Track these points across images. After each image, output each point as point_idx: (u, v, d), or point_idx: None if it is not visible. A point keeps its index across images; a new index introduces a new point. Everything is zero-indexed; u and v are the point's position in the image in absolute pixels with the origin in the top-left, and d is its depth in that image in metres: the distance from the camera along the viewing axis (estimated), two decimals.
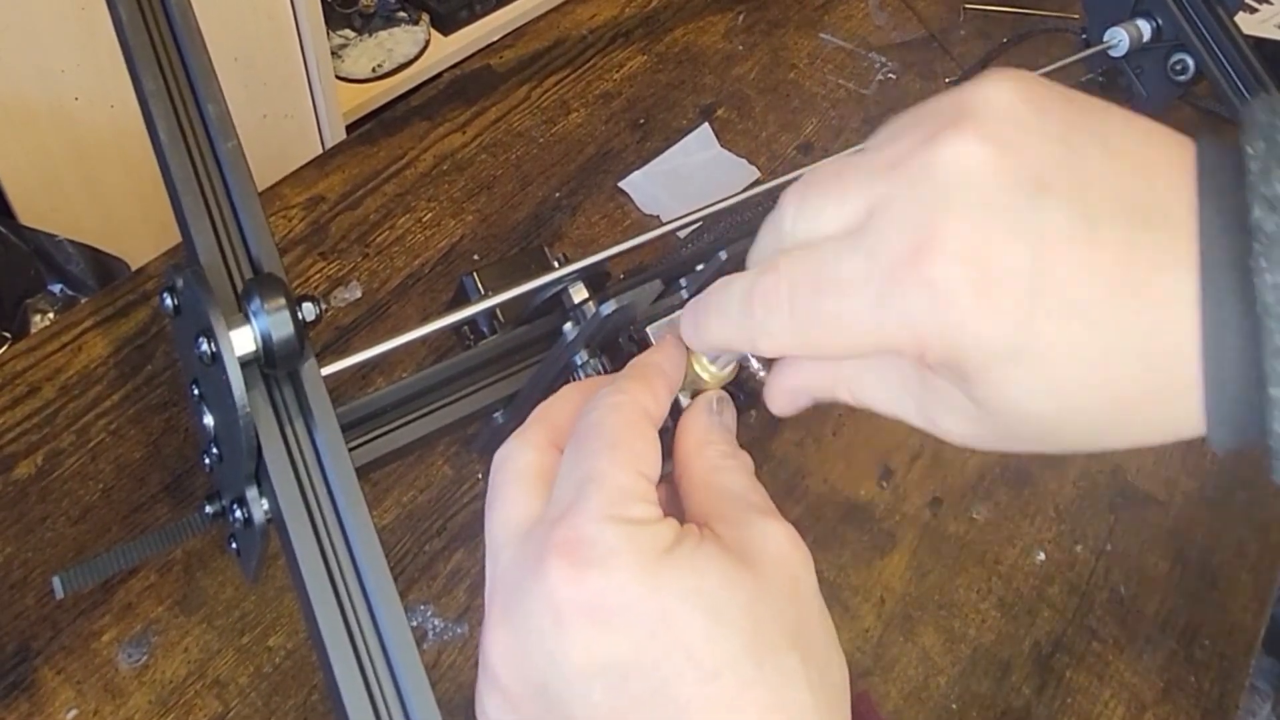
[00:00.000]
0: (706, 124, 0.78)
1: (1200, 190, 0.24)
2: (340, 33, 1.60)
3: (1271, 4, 0.87)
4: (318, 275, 0.65)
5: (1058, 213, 0.25)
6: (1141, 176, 0.25)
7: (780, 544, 0.29)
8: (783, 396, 0.33)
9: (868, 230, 0.26)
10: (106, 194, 1.24)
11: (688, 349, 0.35)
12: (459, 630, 0.51)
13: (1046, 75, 0.67)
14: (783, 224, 0.29)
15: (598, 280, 0.45)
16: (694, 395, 0.36)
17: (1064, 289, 0.24)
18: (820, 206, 0.28)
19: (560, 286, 0.43)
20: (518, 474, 0.32)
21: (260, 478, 0.33)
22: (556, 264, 0.45)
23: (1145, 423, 0.26)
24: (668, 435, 0.37)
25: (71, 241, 1.07)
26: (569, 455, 0.30)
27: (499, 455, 0.33)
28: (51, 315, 1.03)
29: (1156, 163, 0.25)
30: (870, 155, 0.28)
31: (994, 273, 0.25)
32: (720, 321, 0.30)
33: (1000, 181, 0.25)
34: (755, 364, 0.34)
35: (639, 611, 0.26)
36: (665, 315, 0.38)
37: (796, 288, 0.28)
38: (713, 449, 0.33)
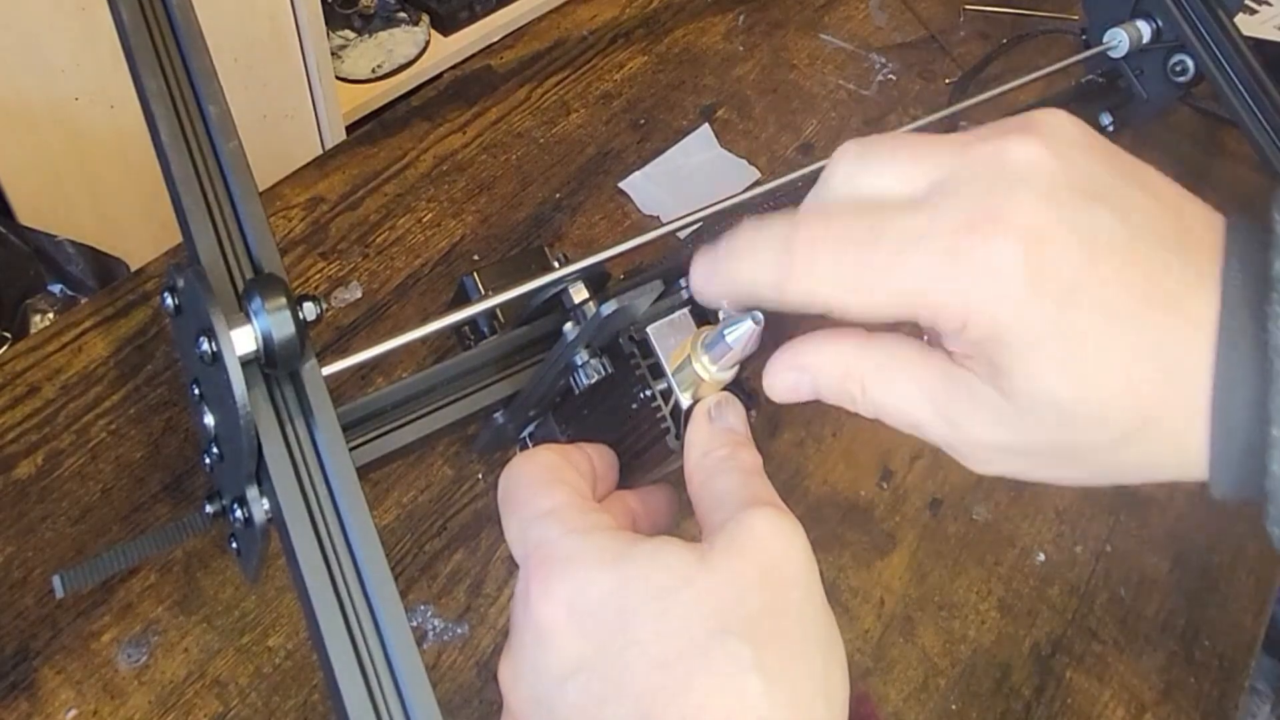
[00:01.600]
0: (707, 124, 0.78)
1: (1227, 241, 0.27)
2: (340, 33, 1.60)
3: (1271, 5, 0.87)
4: (318, 275, 0.65)
5: (1106, 221, 0.27)
6: (1176, 217, 0.28)
7: (754, 532, 0.29)
8: (787, 375, 0.33)
9: (935, 196, 0.28)
10: (106, 194, 1.24)
11: (688, 349, 0.36)
12: (459, 630, 0.51)
13: (1046, 76, 0.67)
14: (835, 175, 0.30)
15: (598, 280, 0.45)
16: (694, 397, 0.36)
17: (1103, 288, 0.26)
18: (882, 168, 0.29)
19: (560, 287, 0.43)
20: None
21: (260, 477, 0.33)
22: (556, 264, 0.45)
23: (1155, 443, 0.27)
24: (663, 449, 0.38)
25: (71, 241, 1.08)
26: (511, 512, 0.32)
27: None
28: (51, 315, 1.03)
29: (1190, 211, 0.28)
30: (939, 137, 0.30)
31: (1047, 259, 0.26)
32: (750, 261, 0.30)
33: (1060, 184, 0.27)
34: (743, 329, 0.33)
35: (602, 611, 0.28)
36: (665, 315, 0.38)
37: (850, 232, 0.28)
38: (711, 457, 0.33)
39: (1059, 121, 0.29)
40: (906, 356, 0.30)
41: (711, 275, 0.32)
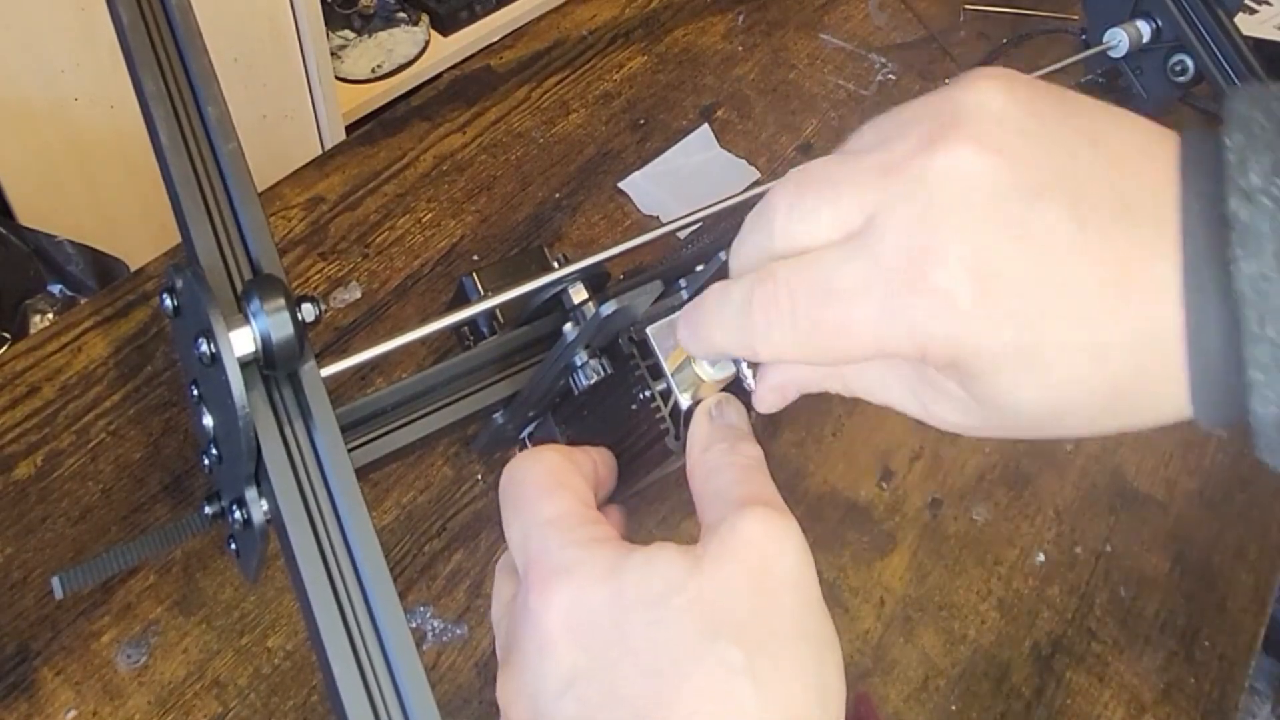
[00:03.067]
0: (706, 124, 0.78)
1: (1183, 183, 0.25)
2: (340, 33, 1.60)
3: (1271, 5, 0.87)
4: (317, 276, 0.65)
5: (1053, 216, 0.25)
6: (1128, 171, 0.26)
7: (745, 534, 0.29)
8: (771, 394, 0.34)
9: (868, 237, 0.27)
10: (106, 194, 1.24)
11: (687, 354, 0.36)
12: (458, 631, 0.51)
13: (1046, 76, 0.67)
14: (773, 225, 0.29)
15: (598, 281, 0.45)
16: (693, 397, 0.36)
17: (1061, 292, 0.25)
18: (814, 209, 0.28)
19: (560, 287, 0.43)
20: (505, 564, 0.35)
21: (260, 478, 0.33)
22: (556, 264, 0.45)
23: (1135, 407, 0.27)
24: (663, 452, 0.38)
25: (71, 242, 1.07)
26: (514, 514, 0.33)
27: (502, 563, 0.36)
28: (51, 315, 1.03)
29: (1142, 157, 0.26)
30: (863, 158, 0.28)
31: (995, 281, 0.25)
32: (720, 330, 0.31)
33: (998, 189, 0.25)
34: (746, 371, 0.35)
35: (597, 622, 0.28)
36: (665, 316, 0.38)
37: (797, 296, 0.28)
38: (710, 454, 0.33)
39: (990, 99, 0.27)
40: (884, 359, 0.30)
41: (691, 338, 0.33)
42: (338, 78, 1.53)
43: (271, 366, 0.33)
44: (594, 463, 0.36)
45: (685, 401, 0.36)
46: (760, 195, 0.47)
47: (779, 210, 0.29)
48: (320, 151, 0.89)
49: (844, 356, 0.28)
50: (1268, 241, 0.23)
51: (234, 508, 0.34)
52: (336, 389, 0.57)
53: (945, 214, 0.26)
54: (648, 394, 0.37)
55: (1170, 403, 0.26)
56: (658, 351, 0.37)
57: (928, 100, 0.28)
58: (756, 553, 0.29)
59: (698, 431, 0.34)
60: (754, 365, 0.34)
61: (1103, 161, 0.26)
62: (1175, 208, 0.25)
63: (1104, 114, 0.27)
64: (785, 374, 0.34)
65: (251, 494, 0.33)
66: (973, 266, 0.25)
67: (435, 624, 0.51)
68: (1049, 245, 0.25)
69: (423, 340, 0.40)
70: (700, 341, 0.32)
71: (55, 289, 1.06)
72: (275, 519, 0.33)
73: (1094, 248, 0.25)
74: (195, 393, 0.34)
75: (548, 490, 0.32)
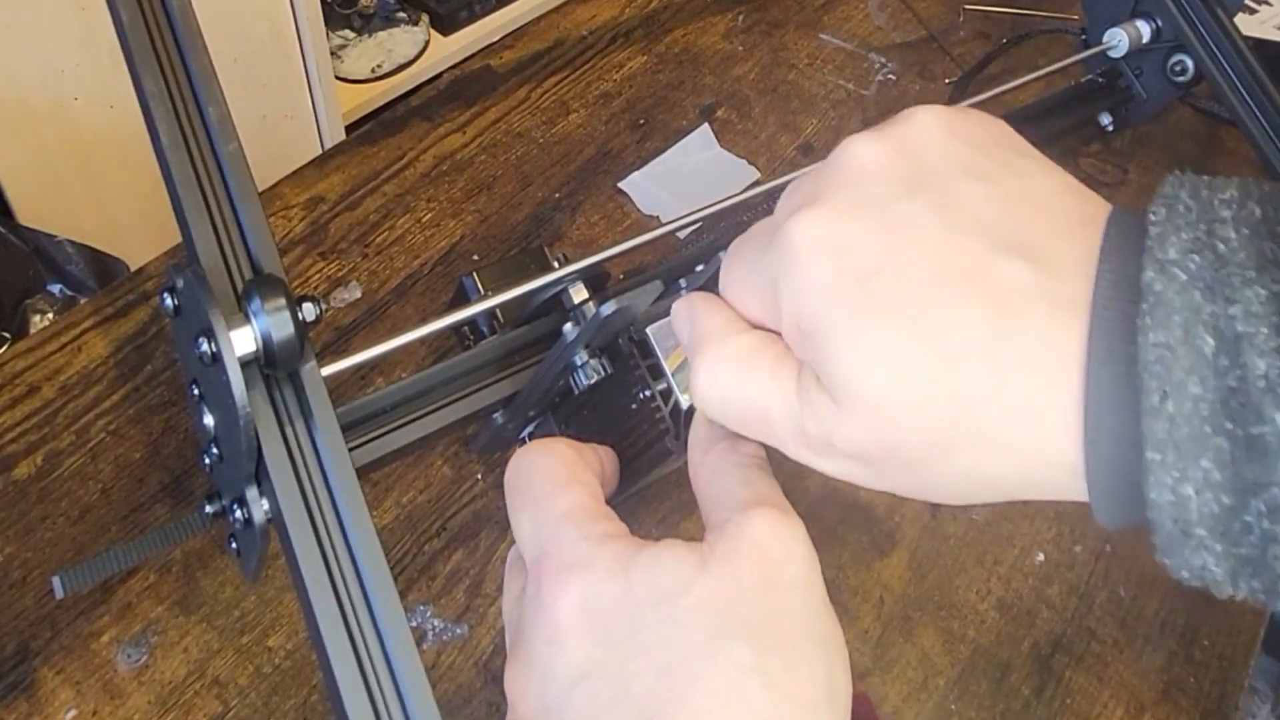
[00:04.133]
0: (706, 124, 0.78)
1: (1103, 248, 0.25)
2: (340, 33, 1.60)
3: (1271, 5, 0.87)
4: (317, 275, 0.65)
5: (920, 209, 0.26)
6: (1033, 212, 0.26)
7: (754, 535, 0.29)
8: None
9: (784, 194, 0.30)
10: (106, 194, 1.24)
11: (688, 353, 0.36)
12: (458, 631, 0.51)
13: (1046, 75, 0.66)
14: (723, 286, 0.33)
15: (598, 281, 0.45)
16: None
17: (904, 277, 0.26)
18: (781, 200, 0.31)
19: (560, 287, 0.43)
20: (515, 557, 0.35)
21: (260, 478, 0.33)
22: (556, 264, 0.45)
23: (1002, 459, 0.26)
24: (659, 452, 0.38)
25: (71, 241, 1.07)
26: (524, 505, 0.33)
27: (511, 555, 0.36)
28: (51, 315, 1.03)
29: (1067, 212, 0.26)
30: (768, 219, 0.32)
31: (840, 245, 0.26)
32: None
33: (882, 176, 0.27)
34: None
35: (610, 618, 0.28)
36: (665, 316, 0.38)
37: (730, 248, 0.32)
38: (713, 454, 0.33)
39: (926, 115, 0.28)
40: (777, 350, 0.30)
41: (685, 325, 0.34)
42: (338, 78, 1.53)
43: (272, 366, 0.33)
44: (600, 459, 0.36)
45: (686, 401, 0.36)
46: (759, 195, 0.48)
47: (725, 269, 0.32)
48: (320, 151, 0.89)
49: (746, 305, 0.31)
50: (1177, 313, 0.22)
51: (234, 507, 0.34)
52: (336, 389, 0.57)
53: (831, 182, 0.28)
54: (648, 394, 0.37)
55: (1050, 471, 0.25)
56: (658, 351, 0.37)
57: (827, 160, 0.30)
58: (765, 555, 0.29)
59: (699, 432, 0.34)
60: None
61: (1016, 199, 0.26)
62: (1089, 268, 0.25)
63: (1045, 167, 0.28)
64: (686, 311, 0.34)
65: (252, 493, 0.33)
66: (827, 227, 0.27)
67: (435, 623, 0.51)
68: (903, 231, 0.26)
69: (423, 340, 0.40)
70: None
71: (55, 289, 1.06)
72: (276, 518, 0.33)
73: (956, 254, 0.25)
74: (196, 392, 0.34)
75: (562, 483, 0.32)
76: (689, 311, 0.32)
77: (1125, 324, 0.23)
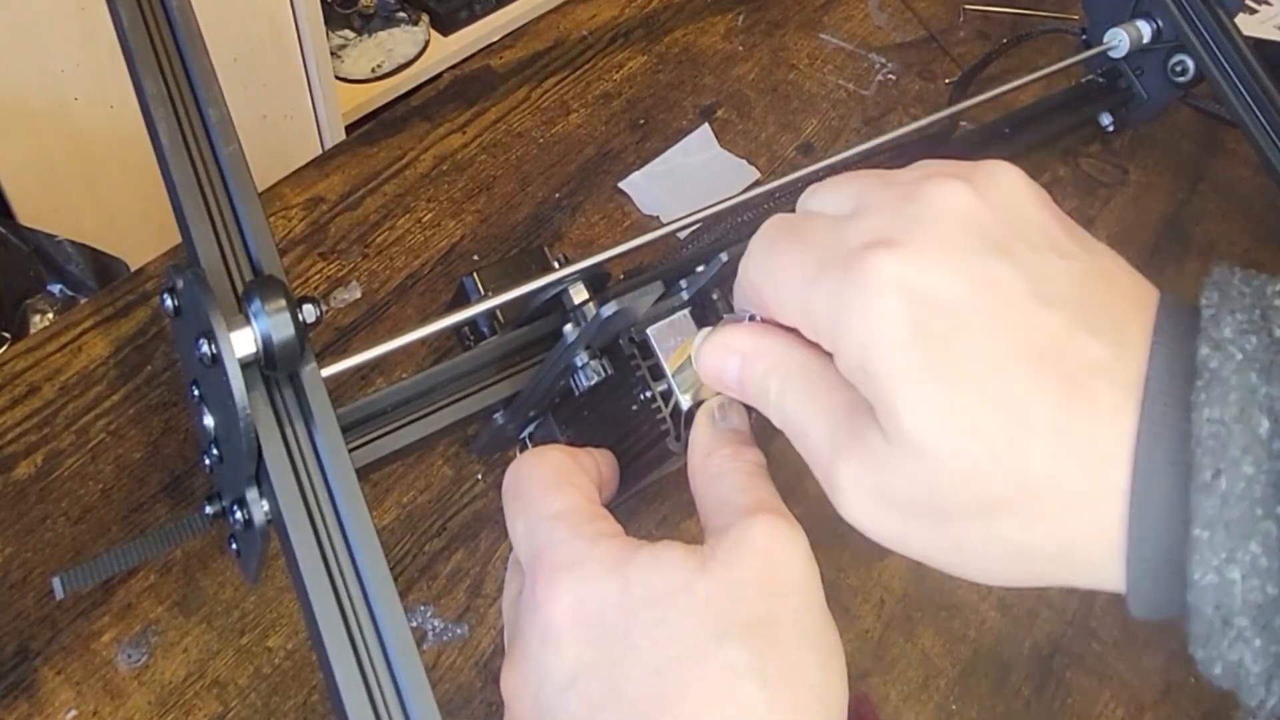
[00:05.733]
0: (706, 124, 0.78)
1: (1157, 326, 0.25)
2: (340, 33, 1.60)
3: (1271, 5, 0.87)
4: (317, 276, 0.65)
5: (1008, 273, 0.26)
6: (1107, 292, 0.26)
7: (754, 540, 0.29)
8: (716, 353, 0.33)
9: (848, 218, 0.29)
10: (106, 194, 1.25)
11: (688, 351, 0.36)
12: (459, 631, 0.51)
13: (1046, 76, 0.66)
14: (801, 203, 0.32)
15: (598, 281, 0.45)
16: (694, 398, 0.36)
17: (987, 340, 0.25)
18: (825, 194, 0.31)
19: (560, 287, 0.43)
20: (515, 559, 0.34)
21: (260, 479, 0.33)
22: (557, 265, 0.45)
23: (1045, 529, 0.25)
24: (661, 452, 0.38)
25: (71, 241, 1.07)
26: (519, 511, 0.33)
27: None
28: (51, 315, 1.03)
29: (1125, 289, 0.27)
30: (880, 174, 0.30)
31: (922, 294, 0.25)
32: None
33: (970, 227, 0.26)
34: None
35: (604, 617, 0.28)
36: (666, 316, 0.38)
37: (768, 231, 0.31)
38: (714, 459, 0.33)
39: (1011, 172, 0.28)
40: (825, 371, 0.29)
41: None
42: (338, 77, 1.53)
43: (272, 367, 0.33)
44: (597, 463, 0.36)
45: (686, 402, 0.36)
46: (759, 195, 0.48)
47: (803, 196, 0.32)
48: (320, 151, 0.89)
49: (775, 302, 0.30)
50: (1233, 391, 0.22)
51: (235, 508, 0.34)
52: (337, 389, 0.57)
53: (914, 222, 0.27)
54: (649, 395, 0.37)
55: (1091, 552, 0.25)
56: (658, 352, 0.37)
57: (904, 187, 0.29)
58: (765, 559, 0.29)
59: (700, 436, 0.34)
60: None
61: (1086, 272, 0.27)
62: (1144, 345, 0.25)
63: (1106, 249, 0.28)
64: (738, 340, 0.33)
65: (252, 494, 0.33)
66: (911, 270, 0.26)
67: (435, 624, 0.51)
68: (987, 291, 0.26)
69: (423, 340, 0.40)
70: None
71: (55, 289, 1.06)
72: (276, 519, 0.33)
73: (1038, 325, 0.25)
74: (196, 393, 0.34)
75: (554, 486, 0.33)
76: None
77: (1179, 401, 0.23)
